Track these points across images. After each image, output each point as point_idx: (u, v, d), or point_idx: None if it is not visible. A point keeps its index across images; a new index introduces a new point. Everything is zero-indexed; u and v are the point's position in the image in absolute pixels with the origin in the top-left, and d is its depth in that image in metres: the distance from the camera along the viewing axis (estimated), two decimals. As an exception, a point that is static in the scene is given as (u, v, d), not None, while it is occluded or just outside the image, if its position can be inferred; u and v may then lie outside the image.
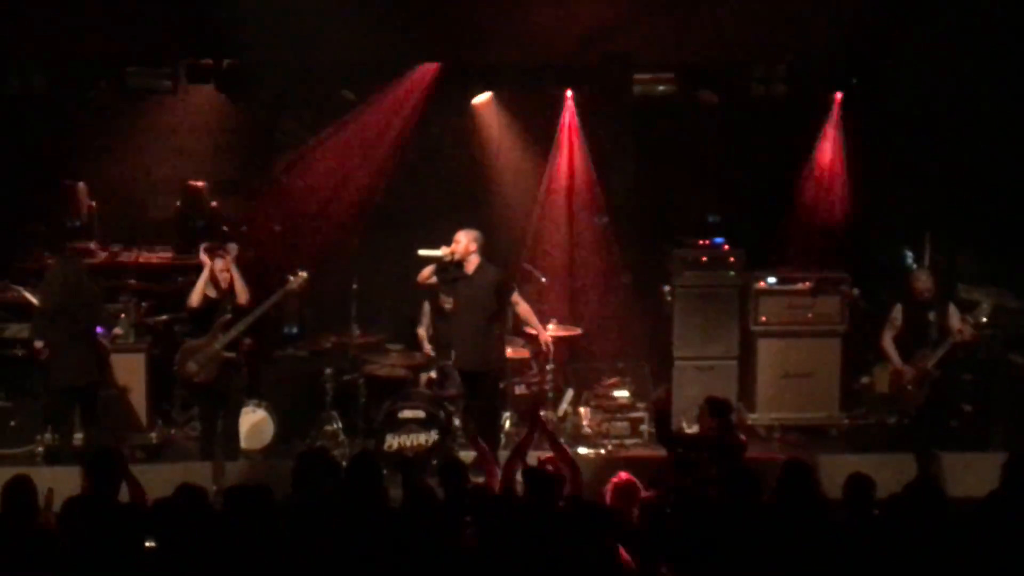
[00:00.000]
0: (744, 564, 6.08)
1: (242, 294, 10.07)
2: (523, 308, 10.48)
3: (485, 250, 10.07)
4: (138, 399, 10.97)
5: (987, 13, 10.87)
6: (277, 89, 11.70)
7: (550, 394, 11.20)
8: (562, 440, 8.73)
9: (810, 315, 11.61)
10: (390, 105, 11.93)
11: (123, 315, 11.00)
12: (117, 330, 10.83)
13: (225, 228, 11.95)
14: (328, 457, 7.33)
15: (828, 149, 12.16)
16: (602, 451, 10.97)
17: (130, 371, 10.95)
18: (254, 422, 10.88)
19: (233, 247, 10.27)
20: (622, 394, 11.37)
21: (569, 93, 12.03)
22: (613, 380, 11.56)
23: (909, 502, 6.29)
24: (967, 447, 10.39)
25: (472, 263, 10.01)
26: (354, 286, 10.97)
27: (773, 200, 12.12)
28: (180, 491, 6.20)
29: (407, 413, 10.25)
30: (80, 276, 10.21)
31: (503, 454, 8.91)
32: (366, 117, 12.00)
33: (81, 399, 10.10)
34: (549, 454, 7.66)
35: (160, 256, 12.06)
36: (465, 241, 9.99)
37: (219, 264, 10.12)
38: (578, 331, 11.56)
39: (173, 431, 11.29)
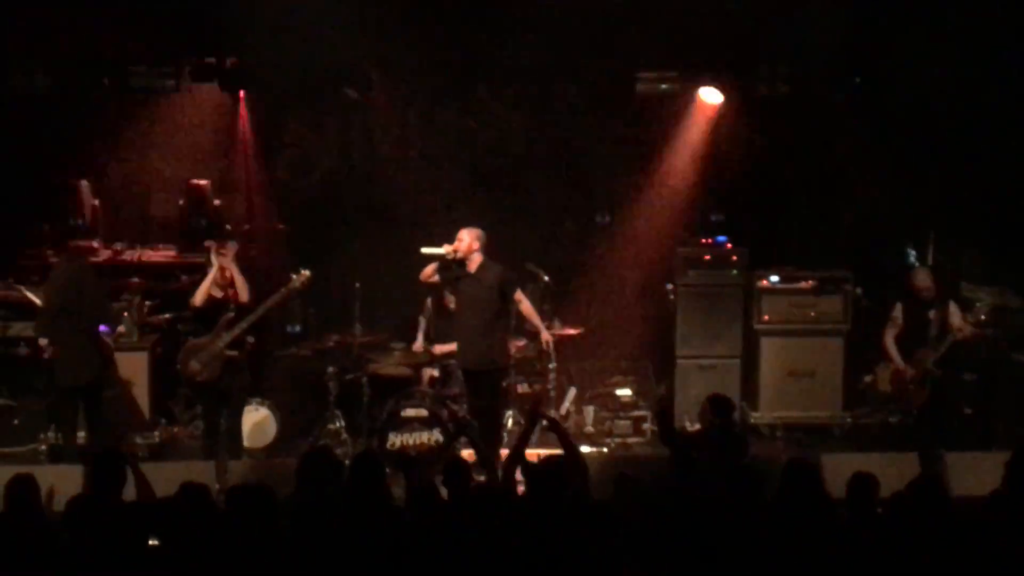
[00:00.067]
0: (747, 563, 6.07)
1: (242, 291, 10.02)
2: (525, 306, 10.43)
3: (488, 248, 10.07)
4: (141, 398, 10.99)
5: (990, 12, 10.87)
6: (280, 88, 11.71)
7: (552, 393, 11.21)
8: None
9: (813, 314, 11.60)
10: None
11: (126, 314, 11.02)
12: (121, 328, 10.85)
13: (228, 227, 11.97)
14: (331, 456, 7.28)
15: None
16: (605, 450, 10.98)
17: (133, 370, 10.97)
18: (257, 421, 10.90)
19: (233, 244, 10.26)
20: (625, 393, 11.38)
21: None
22: (616, 379, 11.57)
23: (912, 501, 6.28)
24: (970, 446, 10.38)
25: (475, 261, 9.99)
26: (357, 285, 10.96)
27: (775, 199, 12.13)
28: (183, 490, 6.20)
29: (410, 412, 10.24)
30: (84, 275, 10.21)
31: (505, 454, 8.91)
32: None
33: (85, 398, 10.09)
34: (549, 452, 7.66)
35: (163, 255, 12.10)
36: (468, 239, 9.96)
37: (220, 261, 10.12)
38: (580, 330, 11.57)
39: (176, 430, 11.30)
